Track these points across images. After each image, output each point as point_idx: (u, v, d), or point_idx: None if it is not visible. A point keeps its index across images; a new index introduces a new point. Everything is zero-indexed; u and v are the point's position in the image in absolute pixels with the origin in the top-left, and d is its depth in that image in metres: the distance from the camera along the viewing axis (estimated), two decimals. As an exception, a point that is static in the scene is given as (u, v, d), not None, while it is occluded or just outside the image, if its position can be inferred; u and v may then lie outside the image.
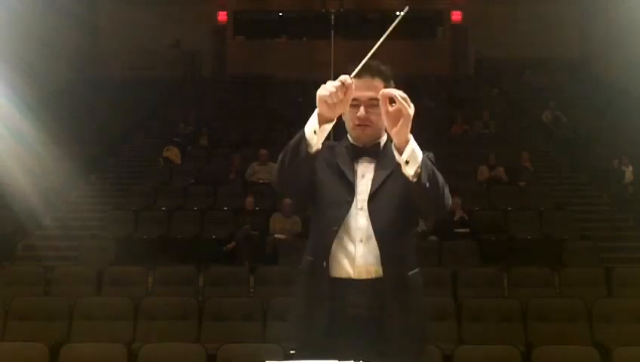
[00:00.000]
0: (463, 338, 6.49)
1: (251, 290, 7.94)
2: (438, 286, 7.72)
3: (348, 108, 2.57)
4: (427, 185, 2.36)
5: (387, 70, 2.70)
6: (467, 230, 9.83)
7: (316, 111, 2.42)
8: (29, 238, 10.65)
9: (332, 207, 2.57)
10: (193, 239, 9.89)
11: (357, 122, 2.61)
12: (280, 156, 2.51)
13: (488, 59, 19.30)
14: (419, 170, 2.36)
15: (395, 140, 2.40)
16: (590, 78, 17.95)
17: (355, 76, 2.54)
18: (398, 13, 2.56)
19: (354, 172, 2.62)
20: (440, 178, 2.45)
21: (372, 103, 2.57)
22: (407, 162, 2.37)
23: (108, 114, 15.24)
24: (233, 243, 9.51)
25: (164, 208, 10.86)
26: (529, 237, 9.96)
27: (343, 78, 2.37)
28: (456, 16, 20.63)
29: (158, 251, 9.45)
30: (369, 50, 2.62)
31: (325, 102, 2.37)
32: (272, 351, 5.23)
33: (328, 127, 2.43)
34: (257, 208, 10.30)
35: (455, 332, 6.55)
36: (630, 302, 7.07)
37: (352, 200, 2.57)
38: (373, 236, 2.53)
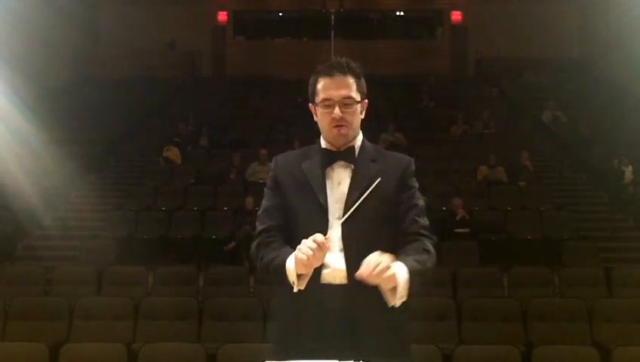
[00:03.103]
0: (463, 339, 6.49)
1: (251, 290, 7.94)
2: (438, 286, 7.72)
3: (320, 110, 2.53)
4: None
5: (358, 67, 2.57)
6: (467, 230, 9.83)
7: (292, 264, 2.35)
8: (29, 238, 10.65)
9: (308, 223, 2.46)
10: (193, 239, 9.89)
11: (333, 123, 2.51)
12: (257, 261, 2.52)
13: (488, 59, 19.30)
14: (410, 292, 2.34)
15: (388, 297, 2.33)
16: (590, 78, 17.96)
17: (325, 75, 2.52)
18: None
19: (330, 180, 2.53)
20: (427, 273, 2.43)
21: (346, 102, 2.51)
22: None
23: (108, 114, 15.23)
24: (233, 243, 9.52)
25: (164, 208, 10.86)
26: (529, 237, 9.96)
27: (320, 239, 2.29)
28: (456, 16, 20.64)
29: (158, 251, 9.46)
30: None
31: (302, 263, 2.31)
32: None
33: (308, 275, 2.37)
34: (257, 208, 10.25)
35: (455, 332, 6.55)
36: (630, 302, 7.07)
37: (326, 214, 2.47)
38: (350, 245, 2.45)
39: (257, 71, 19.52)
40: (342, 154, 2.56)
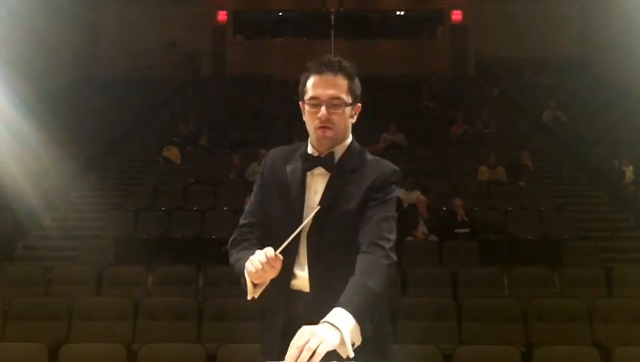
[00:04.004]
0: (463, 339, 6.48)
1: (251, 290, 7.92)
2: (438, 286, 7.72)
3: (307, 109, 2.44)
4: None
5: (351, 67, 2.45)
6: (467, 230, 9.82)
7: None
8: (28, 238, 10.65)
9: (282, 227, 2.42)
10: (193, 239, 9.88)
11: (318, 124, 2.41)
12: (229, 257, 2.53)
13: (488, 59, 19.30)
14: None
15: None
16: (590, 77, 17.96)
17: (315, 72, 2.43)
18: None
19: (308, 186, 2.47)
20: (377, 299, 2.24)
21: (334, 103, 2.39)
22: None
23: (108, 114, 15.23)
24: (233, 244, 9.49)
25: (163, 208, 10.85)
26: (529, 237, 9.95)
27: (270, 255, 2.26)
28: (457, 16, 20.64)
29: (158, 251, 9.45)
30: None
31: (252, 276, 2.31)
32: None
33: (263, 285, 2.36)
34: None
35: (455, 332, 6.54)
36: (630, 302, 7.06)
37: (300, 221, 2.39)
38: (314, 254, 2.42)
39: (257, 71, 19.52)
40: (322, 160, 2.46)
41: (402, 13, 21.51)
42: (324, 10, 18.78)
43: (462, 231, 9.79)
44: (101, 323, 6.58)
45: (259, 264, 2.27)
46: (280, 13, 21.69)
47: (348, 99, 2.43)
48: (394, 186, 2.46)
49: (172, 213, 10.60)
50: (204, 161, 13.22)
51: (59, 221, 11.14)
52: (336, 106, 2.40)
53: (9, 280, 7.90)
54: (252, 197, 2.65)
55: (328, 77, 2.41)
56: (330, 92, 2.40)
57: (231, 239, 2.58)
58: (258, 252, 2.30)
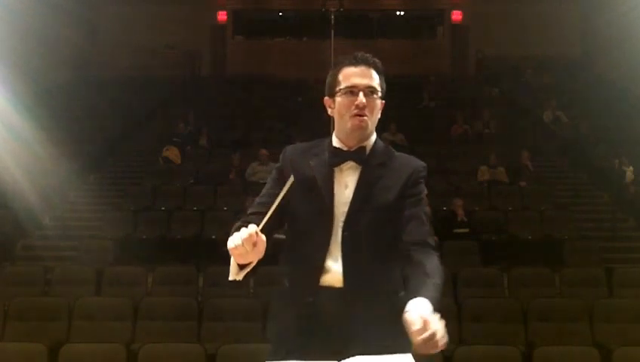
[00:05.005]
0: (463, 338, 6.48)
1: (251, 290, 7.93)
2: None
3: (341, 98, 2.42)
4: None
5: (380, 65, 2.49)
6: (467, 230, 9.82)
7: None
8: (28, 238, 10.63)
9: (310, 225, 2.41)
10: (193, 239, 9.87)
11: (355, 111, 2.40)
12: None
13: (488, 59, 19.28)
14: None
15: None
16: (591, 77, 17.94)
17: (349, 65, 2.44)
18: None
19: (337, 181, 2.43)
20: (440, 286, 2.29)
21: (370, 91, 2.42)
22: None
23: (107, 113, 15.22)
24: (233, 244, 9.48)
25: (163, 208, 10.84)
26: (529, 237, 9.95)
27: (252, 229, 2.20)
28: (457, 16, 20.63)
29: (158, 251, 9.44)
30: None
31: (233, 253, 2.23)
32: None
33: (249, 266, 2.31)
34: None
35: (455, 332, 6.53)
36: (631, 302, 7.07)
37: (331, 217, 2.39)
38: (348, 250, 2.39)
39: (257, 70, 19.50)
40: (352, 154, 2.45)
41: (402, 13, 21.50)
42: (324, 10, 18.74)
43: (462, 231, 9.78)
44: (101, 323, 6.58)
45: (239, 240, 2.20)
46: (280, 13, 21.67)
47: (379, 92, 2.47)
48: (424, 181, 2.50)
49: (172, 213, 10.59)
50: (204, 161, 13.22)
51: (58, 221, 11.13)
52: (371, 95, 2.42)
53: (8, 280, 7.90)
54: (264, 190, 2.56)
55: (364, 68, 2.44)
56: (367, 81, 2.43)
57: (234, 227, 2.47)
58: (242, 228, 2.24)
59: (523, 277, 8.04)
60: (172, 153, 13.06)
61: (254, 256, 2.27)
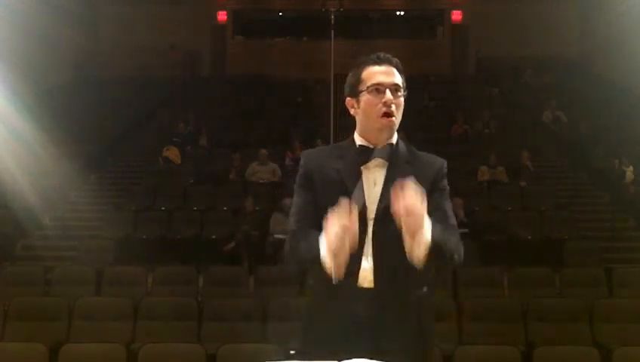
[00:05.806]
0: (463, 339, 6.47)
1: (251, 291, 7.93)
2: (438, 286, 7.69)
3: (366, 97, 2.41)
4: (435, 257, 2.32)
5: (400, 64, 2.50)
6: (467, 230, 9.81)
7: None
8: (28, 238, 10.64)
9: None
10: (193, 239, 9.87)
11: (384, 109, 2.40)
12: (291, 259, 2.42)
13: (488, 59, 19.29)
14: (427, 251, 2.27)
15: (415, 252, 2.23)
16: (591, 77, 17.94)
17: (373, 63, 2.44)
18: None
19: (366, 179, 2.43)
20: (450, 245, 2.43)
21: (395, 89, 2.42)
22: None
23: (107, 114, 15.23)
24: (233, 244, 9.50)
25: (163, 208, 10.84)
26: (529, 237, 9.95)
27: (344, 220, 2.17)
28: (457, 16, 20.63)
29: (158, 251, 9.45)
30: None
31: (333, 252, 2.18)
32: (272, 351, 5.22)
33: (343, 264, 2.24)
34: (257, 208, 10.29)
35: (455, 332, 6.53)
36: (631, 302, 7.06)
37: (363, 214, 2.35)
38: (380, 248, 2.39)
39: (257, 70, 19.49)
40: (379, 151, 2.45)
41: (402, 13, 21.50)
42: (324, 9, 18.74)
43: (461, 231, 9.76)
44: (101, 323, 6.58)
45: (338, 230, 2.15)
46: (280, 13, 21.67)
47: (403, 90, 2.47)
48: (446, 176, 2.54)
49: (172, 213, 10.59)
50: (204, 161, 13.22)
51: (58, 221, 11.13)
52: (397, 94, 2.43)
53: (9, 280, 7.90)
54: (297, 199, 2.51)
55: (388, 67, 2.44)
56: (392, 79, 2.43)
57: (286, 249, 2.44)
58: (331, 226, 2.18)
59: (523, 277, 8.04)
60: (172, 153, 13.06)
61: (351, 245, 2.21)
